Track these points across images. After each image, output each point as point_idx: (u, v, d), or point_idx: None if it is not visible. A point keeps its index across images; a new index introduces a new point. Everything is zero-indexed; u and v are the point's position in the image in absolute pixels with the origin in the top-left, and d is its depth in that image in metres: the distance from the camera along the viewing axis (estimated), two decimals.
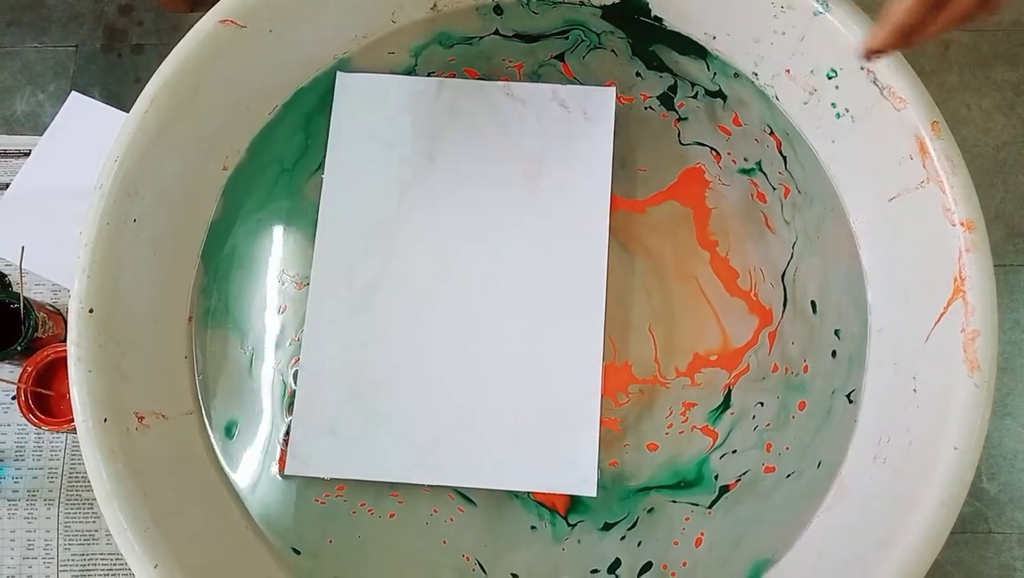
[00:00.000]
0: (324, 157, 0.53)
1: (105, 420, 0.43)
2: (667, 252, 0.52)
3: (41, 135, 0.65)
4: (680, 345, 0.51)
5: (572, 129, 0.53)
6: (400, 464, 0.48)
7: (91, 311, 0.44)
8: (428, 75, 0.55)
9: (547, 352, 0.50)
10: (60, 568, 0.57)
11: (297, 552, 0.48)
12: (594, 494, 0.48)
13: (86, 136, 0.65)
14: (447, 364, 0.50)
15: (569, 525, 0.48)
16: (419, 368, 0.50)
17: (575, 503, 0.49)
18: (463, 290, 0.51)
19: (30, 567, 0.57)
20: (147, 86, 0.47)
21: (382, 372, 0.50)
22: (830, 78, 0.49)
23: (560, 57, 0.55)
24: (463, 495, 0.49)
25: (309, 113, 0.54)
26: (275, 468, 0.49)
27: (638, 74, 0.55)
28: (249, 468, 0.49)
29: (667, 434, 0.49)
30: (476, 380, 0.49)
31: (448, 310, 0.51)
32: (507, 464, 0.48)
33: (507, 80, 0.54)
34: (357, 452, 0.48)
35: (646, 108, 0.54)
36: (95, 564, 0.57)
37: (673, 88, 0.55)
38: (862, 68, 0.47)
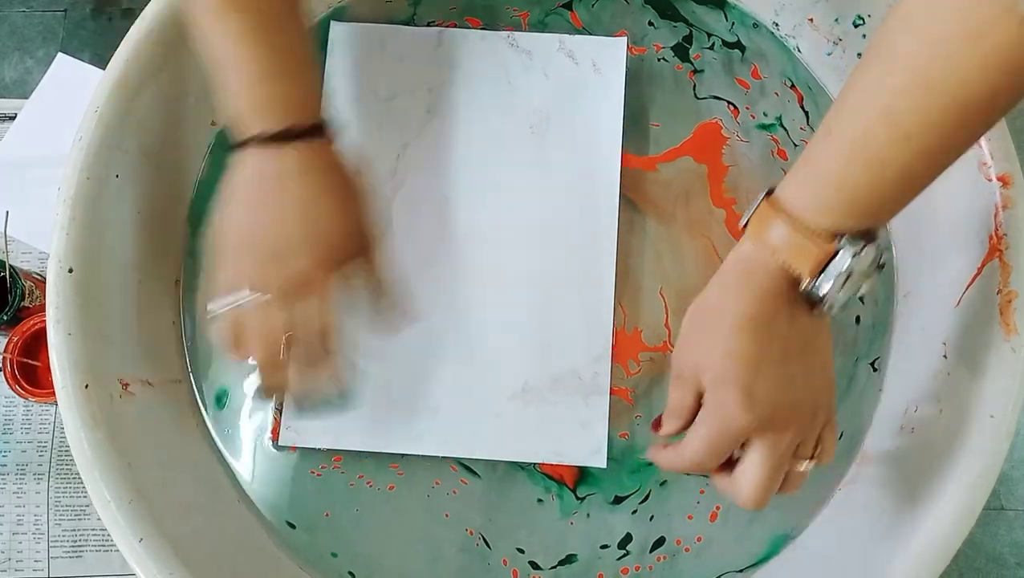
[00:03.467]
0: None
1: (87, 386, 0.40)
2: (679, 211, 0.50)
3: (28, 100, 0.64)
4: None
5: (581, 82, 0.50)
6: (400, 434, 0.46)
7: (71, 270, 0.42)
8: (427, 25, 0.52)
9: (555, 317, 0.47)
10: (51, 544, 0.56)
11: (292, 526, 0.46)
12: (604, 466, 0.46)
13: (74, 99, 0.63)
14: (449, 330, 0.47)
15: (578, 498, 0.46)
16: (420, 334, 0.47)
17: (584, 475, 0.47)
18: (465, 252, 0.48)
19: (20, 543, 0.56)
20: (129, 34, 0.45)
21: (380, 338, 0.47)
22: (857, 26, 0.47)
23: (568, 6, 0.52)
24: (466, 466, 0.47)
25: None
26: (268, 439, 0.47)
27: (651, 23, 0.52)
28: (241, 438, 0.48)
29: None
30: (480, 346, 0.47)
31: (449, 274, 0.48)
32: (513, 434, 0.46)
33: (511, 30, 0.52)
34: (354, 422, 0.46)
35: (659, 60, 0.52)
36: (86, 540, 0.56)
37: (688, 39, 0.52)
38: None
